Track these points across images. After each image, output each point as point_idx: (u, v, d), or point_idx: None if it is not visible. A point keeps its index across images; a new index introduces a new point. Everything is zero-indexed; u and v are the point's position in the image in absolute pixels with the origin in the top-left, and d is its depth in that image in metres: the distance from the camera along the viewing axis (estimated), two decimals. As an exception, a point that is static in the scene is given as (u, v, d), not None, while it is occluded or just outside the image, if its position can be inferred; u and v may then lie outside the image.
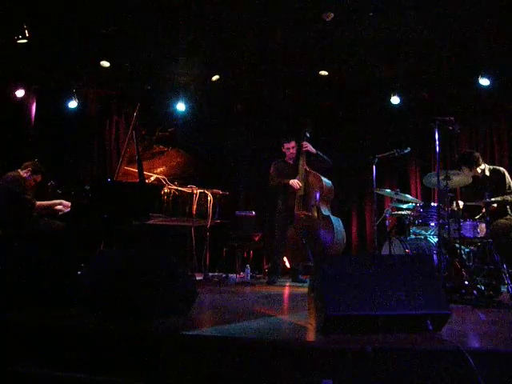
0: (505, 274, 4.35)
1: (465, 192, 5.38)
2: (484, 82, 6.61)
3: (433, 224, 5.50)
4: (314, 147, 5.95)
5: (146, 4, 5.58)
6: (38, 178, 5.27)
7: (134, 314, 2.74)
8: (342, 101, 7.87)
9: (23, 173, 5.12)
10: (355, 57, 6.71)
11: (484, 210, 4.76)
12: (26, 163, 5.22)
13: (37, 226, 4.90)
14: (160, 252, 3.24)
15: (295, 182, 5.78)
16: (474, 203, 5.10)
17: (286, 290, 5.31)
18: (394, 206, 6.04)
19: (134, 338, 2.42)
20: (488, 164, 5.37)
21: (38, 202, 5.04)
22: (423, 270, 2.58)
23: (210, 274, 6.14)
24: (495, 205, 4.87)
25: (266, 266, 7.51)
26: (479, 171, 5.20)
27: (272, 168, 6.13)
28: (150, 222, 5.24)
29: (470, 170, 5.15)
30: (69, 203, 5.05)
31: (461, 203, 5.04)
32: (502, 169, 5.25)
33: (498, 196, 4.93)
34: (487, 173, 5.20)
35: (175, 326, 2.70)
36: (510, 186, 5.09)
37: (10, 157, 6.02)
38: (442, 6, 5.43)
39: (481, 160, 5.21)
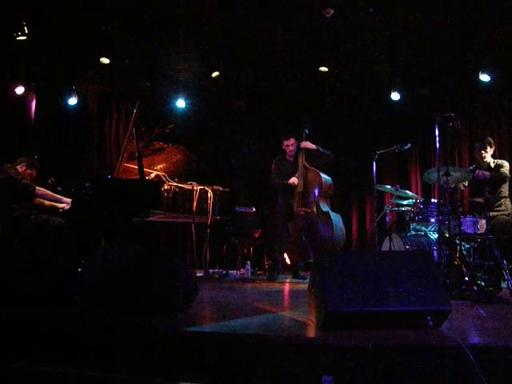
0: (505, 270, 4.36)
1: (467, 187, 5.48)
2: (484, 78, 6.60)
3: (433, 220, 5.51)
4: (313, 143, 5.94)
5: (146, 0, 5.57)
6: (34, 172, 5.25)
7: (135, 311, 2.74)
8: (342, 97, 7.86)
9: (18, 167, 5.13)
10: (355, 53, 6.70)
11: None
12: (20, 158, 5.21)
13: (36, 222, 4.89)
14: (160, 249, 3.25)
15: (293, 180, 5.79)
16: (475, 199, 5.15)
17: (287, 287, 5.32)
18: (395, 202, 6.05)
19: (135, 335, 2.42)
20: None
21: (38, 187, 5.04)
22: (423, 266, 2.58)
23: (211, 270, 6.14)
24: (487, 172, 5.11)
25: (266, 263, 7.52)
26: (487, 160, 5.34)
27: (273, 166, 6.14)
28: (151, 218, 5.24)
29: (480, 151, 5.42)
30: (69, 200, 5.05)
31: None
32: (504, 162, 5.38)
33: (497, 188, 5.05)
34: (492, 165, 5.32)
35: (176, 322, 2.70)
36: (506, 174, 5.26)
37: (9, 154, 6.00)
38: (443, 1, 5.42)
39: (489, 143, 5.43)
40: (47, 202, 5.10)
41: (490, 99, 7.25)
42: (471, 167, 5.67)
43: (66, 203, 5.07)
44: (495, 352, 2.11)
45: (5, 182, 4.93)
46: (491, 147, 5.41)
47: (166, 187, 5.21)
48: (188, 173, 5.81)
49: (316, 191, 5.75)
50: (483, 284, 4.11)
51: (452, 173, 4.58)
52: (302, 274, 6.06)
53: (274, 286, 5.23)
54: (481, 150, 5.39)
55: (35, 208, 5.03)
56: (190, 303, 3.08)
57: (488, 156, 5.39)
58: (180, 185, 5.40)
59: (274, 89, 7.77)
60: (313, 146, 5.91)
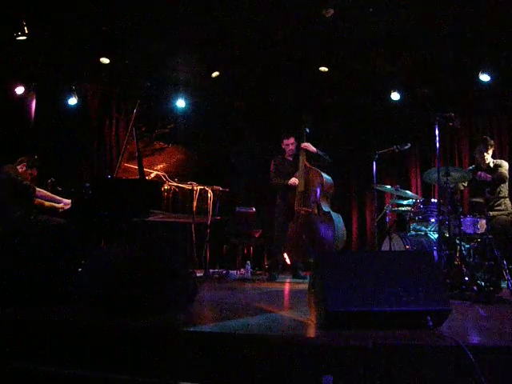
0: (505, 270, 4.37)
1: (467, 187, 5.48)
2: (484, 78, 6.60)
3: (433, 220, 5.51)
4: (313, 145, 5.94)
5: (146, 1, 5.57)
6: (34, 172, 5.26)
7: (135, 311, 2.74)
8: (343, 97, 7.86)
9: (18, 168, 5.14)
10: (355, 53, 6.69)
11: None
12: (21, 158, 5.22)
13: (37, 222, 4.90)
14: (160, 249, 3.25)
15: (293, 181, 5.79)
16: (475, 199, 5.16)
17: (287, 287, 5.32)
18: (395, 202, 6.05)
19: (135, 335, 2.42)
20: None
21: (38, 189, 5.05)
22: (423, 266, 2.58)
23: (211, 270, 6.14)
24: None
25: (266, 263, 7.51)
26: (486, 159, 5.35)
27: (272, 166, 6.13)
28: (151, 218, 5.24)
29: (482, 153, 5.42)
30: (69, 201, 5.05)
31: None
32: (503, 162, 5.38)
33: (497, 188, 5.05)
34: (491, 165, 5.34)
35: (176, 322, 2.70)
36: (505, 175, 5.24)
37: (9, 154, 6.01)
38: (443, 1, 5.42)
39: (490, 145, 5.41)
40: (47, 203, 5.12)
41: (489, 99, 7.25)
42: (471, 167, 5.68)
43: (65, 204, 5.08)
44: (495, 352, 2.11)
45: (5, 182, 4.94)
46: (491, 148, 5.43)
47: (166, 187, 5.20)
48: (188, 173, 5.81)
49: (317, 191, 5.75)
50: (483, 284, 4.11)
51: (452, 173, 4.58)
52: (302, 273, 6.06)
53: (274, 286, 5.23)
54: (483, 152, 5.38)
55: (35, 208, 5.04)
56: (189, 303, 3.09)
57: (489, 157, 5.41)
58: (180, 185, 5.40)
59: (273, 89, 7.76)
60: (313, 149, 5.90)
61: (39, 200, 5.08)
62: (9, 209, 4.85)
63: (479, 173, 5.20)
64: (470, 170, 5.48)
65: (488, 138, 5.55)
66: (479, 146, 5.50)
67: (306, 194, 5.78)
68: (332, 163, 6.03)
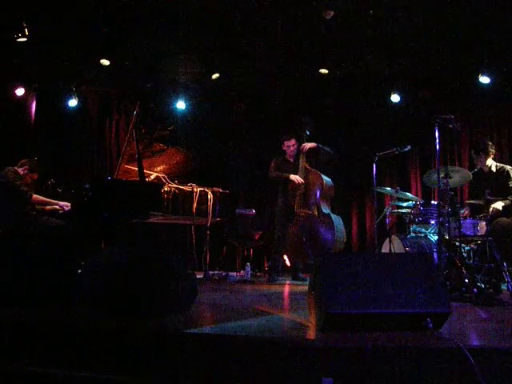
0: (505, 272, 4.36)
1: (467, 189, 5.43)
2: (484, 80, 6.61)
3: (433, 222, 5.51)
4: (312, 141, 5.92)
5: (146, 2, 5.58)
6: (35, 176, 5.27)
7: (134, 312, 2.74)
8: (343, 99, 7.86)
9: (20, 170, 5.14)
10: (355, 55, 6.70)
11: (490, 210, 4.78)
12: (23, 161, 5.23)
13: (37, 223, 4.91)
14: (160, 250, 3.25)
15: (296, 178, 5.77)
16: (474, 201, 5.13)
17: (286, 288, 5.32)
18: (395, 204, 6.05)
19: (134, 336, 2.42)
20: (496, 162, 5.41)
21: (35, 195, 5.06)
22: (423, 268, 2.58)
23: (210, 272, 6.13)
24: (498, 206, 4.87)
25: (266, 265, 7.51)
26: (487, 164, 5.27)
27: (272, 163, 6.13)
28: (150, 220, 5.24)
29: (477, 156, 5.29)
30: (67, 203, 5.06)
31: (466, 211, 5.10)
32: (508, 167, 5.28)
33: (498, 194, 4.97)
34: (493, 169, 5.26)
35: (175, 323, 2.70)
36: None
37: (10, 155, 6.01)
38: (443, 3, 5.43)
39: (490, 149, 5.29)
40: (48, 207, 5.14)
41: (489, 101, 7.25)
42: (474, 171, 5.60)
43: (61, 206, 5.09)
44: (495, 354, 2.11)
45: (4, 184, 4.96)
46: (492, 154, 5.27)
47: (165, 189, 5.21)
48: (188, 174, 5.81)
49: (317, 193, 5.74)
50: (483, 286, 4.11)
51: (452, 174, 4.57)
52: (301, 275, 6.05)
53: (274, 288, 5.23)
54: (482, 158, 5.25)
55: (35, 209, 5.05)
56: (189, 305, 3.08)
57: (489, 160, 5.30)
58: (180, 186, 5.40)
59: (274, 90, 7.77)
60: (312, 145, 5.89)
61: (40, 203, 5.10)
62: (9, 210, 4.86)
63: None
64: (474, 172, 5.42)
65: (489, 144, 5.35)
66: (479, 152, 5.31)
67: (306, 196, 5.77)
68: (336, 154, 6.00)
